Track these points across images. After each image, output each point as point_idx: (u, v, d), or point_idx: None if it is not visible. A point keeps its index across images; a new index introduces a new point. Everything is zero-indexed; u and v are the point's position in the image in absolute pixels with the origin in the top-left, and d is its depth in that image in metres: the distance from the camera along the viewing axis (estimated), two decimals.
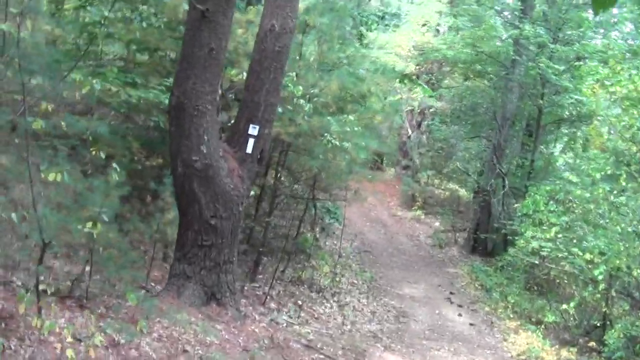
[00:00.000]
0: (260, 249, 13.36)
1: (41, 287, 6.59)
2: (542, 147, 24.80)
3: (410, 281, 18.91)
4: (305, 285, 14.64)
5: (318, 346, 10.08)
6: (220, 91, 9.48)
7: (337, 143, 11.90)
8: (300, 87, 11.62)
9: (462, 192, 29.93)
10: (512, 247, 18.14)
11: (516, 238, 17.66)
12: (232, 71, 11.56)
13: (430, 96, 30.15)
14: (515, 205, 19.39)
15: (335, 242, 21.74)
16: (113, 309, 7.55)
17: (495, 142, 22.93)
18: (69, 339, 6.08)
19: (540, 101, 22.08)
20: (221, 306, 8.86)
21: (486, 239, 22.72)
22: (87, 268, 7.87)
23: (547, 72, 20.42)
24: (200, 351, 7.25)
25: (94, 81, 7.86)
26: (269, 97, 9.20)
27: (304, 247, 16.90)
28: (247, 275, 12.85)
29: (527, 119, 24.44)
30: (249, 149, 9.10)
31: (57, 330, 6.43)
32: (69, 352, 5.82)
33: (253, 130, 9.10)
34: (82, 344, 6.31)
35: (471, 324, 15.30)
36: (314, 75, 12.43)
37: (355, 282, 17.37)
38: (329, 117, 12.13)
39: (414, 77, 15.98)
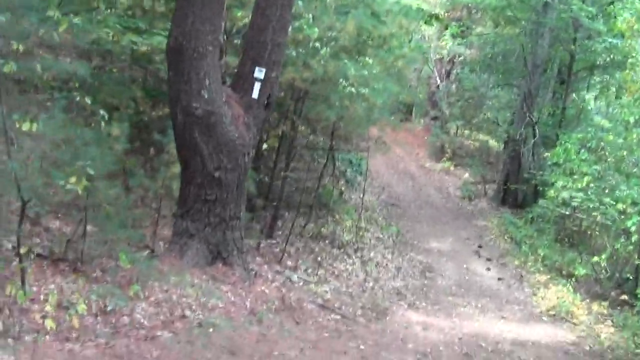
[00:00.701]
0: (276, 204, 12.72)
1: (26, 250, 6.01)
2: (574, 94, 23.89)
3: (437, 235, 18.36)
4: (327, 241, 14.06)
5: (335, 306, 9.53)
6: (224, 33, 8.78)
7: (354, 90, 11.15)
8: (316, 29, 10.84)
9: (492, 142, 29.05)
10: (543, 198, 17.45)
11: (546, 189, 16.95)
12: (239, 12, 10.78)
13: (459, 43, 29.39)
14: (546, 154, 18.54)
15: (361, 195, 21.30)
16: (109, 272, 7.01)
17: (526, 90, 22.11)
18: (48, 307, 5.52)
19: (572, 46, 21.27)
20: (228, 265, 8.26)
21: (516, 190, 22.05)
22: (83, 228, 7.34)
23: (579, 15, 19.49)
24: (200, 315, 6.71)
25: (75, 19, 7.20)
26: (276, 36, 8.43)
27: (327, 201, 16.33)
28: (261, 231, 12.26)
29: (559, 66, 23.49)
30: (255, 94, 8.38)
31: (42, 297, 5.93)
32: (49, 323, 5.29)
33: (259, 73, 8.36)
34: (68, 312, 5.78)
35: (500, 279, 14.73)
36: (330, 16, 11.62)
37: (381, 236, 16.80)
38: (345, 61, 11.36)
39: (439, 16, 14.90)
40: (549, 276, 14.90)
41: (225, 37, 9.31)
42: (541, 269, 15.49)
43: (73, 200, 7.48)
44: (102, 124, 7.47)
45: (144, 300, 6.61)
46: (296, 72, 11.02)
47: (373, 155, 26.73)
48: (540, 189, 19.04)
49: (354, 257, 13.85)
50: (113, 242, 7.57)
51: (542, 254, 16.11)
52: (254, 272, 9.27)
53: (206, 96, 7.87)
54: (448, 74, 31.88)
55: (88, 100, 7.25)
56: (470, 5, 29.27)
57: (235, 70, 9.16)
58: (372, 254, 14.63)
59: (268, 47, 8.40)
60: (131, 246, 9.09)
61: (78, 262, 7.12)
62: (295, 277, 10.02)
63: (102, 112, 7.08)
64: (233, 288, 7.88)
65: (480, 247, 17.40)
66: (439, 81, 31.66)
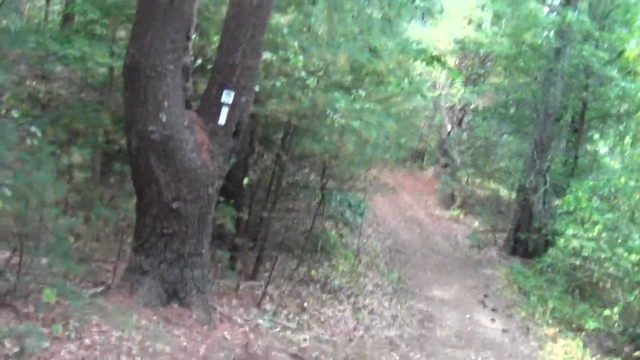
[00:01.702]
0: (261, 244, 11.86)
1: None
2: (586, 144, 23.17)
3: (442, 283, 17.42)
4: (317, 285, 13.15)
5: (313, 356, 8.57)
6: (191, 54, 8.00)
7: (343, 122, 10.34)
8: (301, 57, 10.08)
9: (504, 191, 28.25)
10: (553, 248, 16.56)
11: (557, 237, 16.09)
12: (216, 37, 10.01)
13: (471, 91, 28.88)
14: (557, 202, 17.69)
15: (363, 240, 20.49)
16: (39, 308, 6.14)
17: (537, 139, 21.41)
18: None
19: (585, 94, 20.68)
20: (185, 307, 7.32)
21: (527, 239, 21.21)
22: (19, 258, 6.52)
23: (591, 61, 18.95)
24: None
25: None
26: (246, 59, 7.62)
27: (323, 243, 15.50)
28: (240, 272, 11.39)
29: (572, 114, 22.80)
30: (222, 120, 7.54)
31: None
32: None
33: (227, 97, 7.54)
34: None
35: (504, 330, 13.74)
36: (320, 47, 10.87)
37: (380, 282, 15.87)
38: (335, 94, 10.59)
39: (441, 58, 14.13)
40: (557, 329, 13.92)
41: (193, 58, 8.52)
42: (549, 321, 14.53)
43: (9, 227, 6.66)
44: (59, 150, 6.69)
45: (73, 341, 5.73)
46: (280, 104, 10.26)
47: (379, 201, 26.32)
48: (551, 238, 18.22)
49: (345, 303, 12.91)
50: (53, 275, 6.73)
51: (551, 306, 15.21)
52: (218, 316, 8.36)
53: (164, 119, 7.04)
54: (460, 121, 31.41)
55: (35, 129, 6.47)
56: (481, 53, 29.08)
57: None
58: (367, 301, 13.69)
59: (237, 70, 7.57)
60: (86, 281, 8.32)
61: (8, 295, 6.27)
62: (265, 322, 9.01)
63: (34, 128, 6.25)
64: (188, 332, 6.95)
65: (486, 296, 16.46)
66: (449, 128, 31.13)
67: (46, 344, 5.52)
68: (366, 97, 11.17)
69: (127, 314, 6.60)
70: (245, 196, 11.94)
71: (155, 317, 6.90)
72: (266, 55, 10.28)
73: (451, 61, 29.43)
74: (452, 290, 16.78)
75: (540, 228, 19.57)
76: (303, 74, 10.16)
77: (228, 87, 7.55)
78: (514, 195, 25.42)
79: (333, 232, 17.08)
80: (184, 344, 6.67)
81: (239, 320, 8.63)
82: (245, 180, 10.53)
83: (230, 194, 11.43)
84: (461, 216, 27.08)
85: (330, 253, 15.78)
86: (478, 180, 29.87)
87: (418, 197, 30.18)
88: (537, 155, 21.14)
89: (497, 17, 27.09)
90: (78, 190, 9.26)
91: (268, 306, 10.41)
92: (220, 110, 7.56)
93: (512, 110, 26.28)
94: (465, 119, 31.08)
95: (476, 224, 25.67)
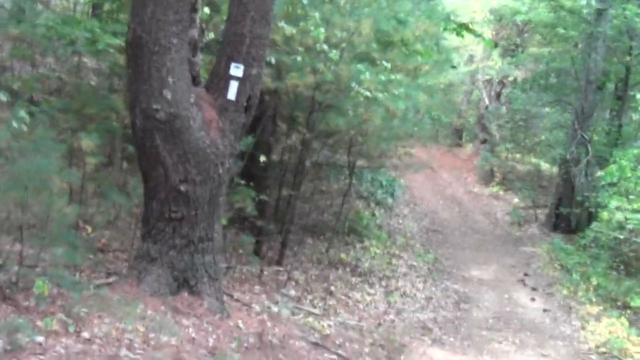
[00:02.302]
0: (286, 227, 11.43)
1: None
2: (630, 111, 22.31)
3: (480, 262, 16.90)
4: (348, 269, 12.73)
5: (336, 343, 8.13)
6: (200, 27, 7.55)
7: (369, 94, 9.83)
8: (322, 29, 9.57)
9: (545, 165, 27.44)
10: (597, 222, 15.92)
11: (600, 211, 15.43)
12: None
13: (509, 63, 28.14)
14: (599, 173, 16.95)
15: (399, 220, 20.08)
16: (39, 301, 5.80)
17: (578, 108, 20.61)
18: None
19: (628, 58, 19.73)
20: (195, 295, 6.88)
21: (569, 214, 20.42)
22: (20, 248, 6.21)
23: (635, 23, 18.05)
24: (139, 357, 5.41)
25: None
26: (256, 27, 7.11)
27: (355, 226, 15.08)
28: (263, 257, 10.98)
29: (615, 81, 21.86)
30: (232, 95, 7.06)
31: None
32: None
33: (236, 70, 7.05)
34: None
35: (545, 310, 13.20)
36: (342, 16, 10.34)
37: (415, 264, 15.42)
38: (359, 65, 10.08)
39: (470, 26, 13.43)
40: (601, 307, 13.31)
41: (202, 31, 8.09)
42: (593, 299, 13.91)
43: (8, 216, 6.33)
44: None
45: (70, 335, 5.37)
46: (300, 78, 9.80)
47: (417, 180, 25.80)
48: (595, 211, 17.51)
49: (377, 286, 12.49)
50: (56, 267, 6.39)
51: (594, 283, 14.63)
52: (235, 303, 7.96)
53: (169, 97, 6.60)
54: (498, 95, 30.62)
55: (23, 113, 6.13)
56: (519, 23, 28.20)
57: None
58: (400, 283, 13.26)
59: (246, 40, 7.07)
60: (98, 272, 8.00)
61: (8, 288, 5.94)
62: (284, 308, 8.49)
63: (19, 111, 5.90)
64: (198, 322, 6.54)
65: (526, 275, 15.93)
66: (487, 103, 30.38)
67: (40, 339, 5.16)
68: (393, 69, 10.67)
69: (132, 304, 6.21)
70: (268, 177, 11.51)
71: (162, 306, 6.50)
72: (286, 29, 9.83)
73: (487, 32, 28.81)
74: (490, 269, 16.26)
75: (583, 201, 18.83)
76: (325, 47, 9.66)
77: (237, 59, 7.07)
78: (555, 169, 24.76)
79: (366, 213, 16.65)
80: (193, 334, 6.27)
81: (257, 307, 8.20)
82: (263, 159, 10.08)
83: (252, 176, 11.06)
84: (501, 192, 26.44)
85: (363, 235, 15.36)
86: (518, 156, 29.04)
87: (457, 175, 29.60)
88: (579, 125, 20.40)
89: None
90: (94, 177, 8.93)
91: (292, 292, 9.98)
92: (229, 84, 7.08)
93: (552, 80, 25.48)
94: (504, 92, 30.25)
95: (516, 200, 24.98)
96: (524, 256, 17.93)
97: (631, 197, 14.08)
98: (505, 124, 28.69)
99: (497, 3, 28.00)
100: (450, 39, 18.72)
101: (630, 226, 13.63)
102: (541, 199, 24.10)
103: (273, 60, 9.51)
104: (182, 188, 6.80)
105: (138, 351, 5.51)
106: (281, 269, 10.89)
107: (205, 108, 6.99)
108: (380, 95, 10.04)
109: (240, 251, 10.64)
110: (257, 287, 9.53)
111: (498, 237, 20.39)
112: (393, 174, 15.53)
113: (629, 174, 14.28)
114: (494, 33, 30.10)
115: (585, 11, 21.09)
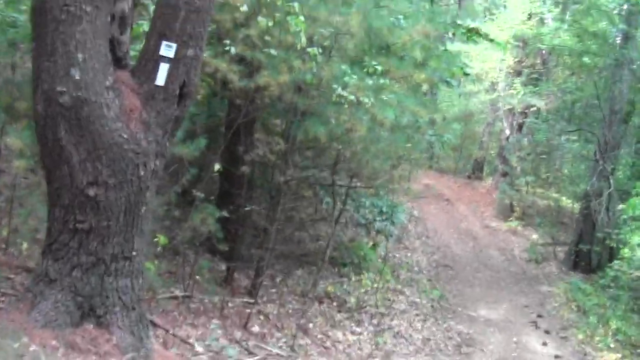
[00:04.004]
0: (261, 255, 10.07)
1: None
2: None
3: (490, 301, 15.52)
4: (335, 303, 11.37)
5: None
6: None
7: (353, 98, 8.51)
8: (302, 18, 8.24)
9: (566, 201, 26.08)
10: (618, 260, 14.55)
11: (621, 247, 14.07)
12: None
13: (532, 91, 26.87)
14: (620, 206, 15.59)
15: (407, 253, 18.78)
16: None
17: (602, 139, 19.29)
18: None
19: None
20: (103, 328, 5.55)
21: (589, 251, 18.96)
22: None
23: None
24: None
25: None
26: None
27: (349, 256, 13.76)
28: (221, 285, 9.64)
29: None
30: (160, 80, 5.70)
31: None
32: None
33: (167, 50, 5.69)
34: None
35: (557, 357, 11.94)
36: (326, 8, 9.04)
37: (417, 300, 14.06)
38: (343, 66, 8.80)
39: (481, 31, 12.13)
40: (619, 355, 12.18)
41: (138, 3, 6.78)
42: (611, 345, 12.71)
43: None
44: None
45: None
46: (273, 76, 8.52)
47: (432, 212, 24.47)
48: (616, 249, 16.15)
49: (366, 324, 11.12)
50: None
51: (613, 327, 13.43)
52: (170, 340, 6.61)
53: (77, 77, 5.27)
54: (520, 126, 29.28)
55: None
56: (544, 51, 27.08)
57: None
58: (394, 322, 11.89)
59: (181, 13, 5.72)
60: None
61: None
62: (230, 351, 7.07)
63: None
64: None
65: (539, 316, 14.59)
66: (508, 133, 29.05)
67: None
68: (384, 73, 9.40)
69: (15, 337, 4.91)
70: (235, 194, 10.15)
71: (54, 341, 5.14)
72: (261, 21, 8.53)
73: (510, 60, 27.74)
74: (500, 309, 14.87)
75: (605, 238, 17.52)
76: (303, 39, 8.30)
77: (169, 36, 5.73)
78: (576, 205, 23.46)
79: (366, 242, 15.30)
80: None
81: (198, 346, 6.83)
82: (216, 167, 8.80)
83: (225, 192, 9.83)
84: (519, 228, 24.98)
85: (361, 266, 14.00)
86: (539, 190, 27.68)
87: (474, 208, 28.23)
88: (601, 157, 19.06)
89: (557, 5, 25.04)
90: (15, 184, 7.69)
91: (256, 328, 8.61)
92: (158, 67, 5.74)
93: (575, 111, 24.32)
94: (526, 122, 28.97)
95: (535, 236, 23.56)
96: (539, 296, 16.55)
97: None
98: (527, 156, 27.38)
99: (520, 29, 26.84)
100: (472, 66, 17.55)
101: None
102: (561, 235, 22.96)
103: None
104: (91, 192, 5.44)
105: None
106: (251, 301, 9.50)
107: (125, 94, 5.61)
108: (366, 99, 8.72)
109: (198, 278, 9.29)
110: (214, 321, 8.17)
111: (512, 274, 19.01)
112: (392, 197, 14.11)
113: None
114: (517, 60, 28.88)
115: (611, 36, 19.91)
